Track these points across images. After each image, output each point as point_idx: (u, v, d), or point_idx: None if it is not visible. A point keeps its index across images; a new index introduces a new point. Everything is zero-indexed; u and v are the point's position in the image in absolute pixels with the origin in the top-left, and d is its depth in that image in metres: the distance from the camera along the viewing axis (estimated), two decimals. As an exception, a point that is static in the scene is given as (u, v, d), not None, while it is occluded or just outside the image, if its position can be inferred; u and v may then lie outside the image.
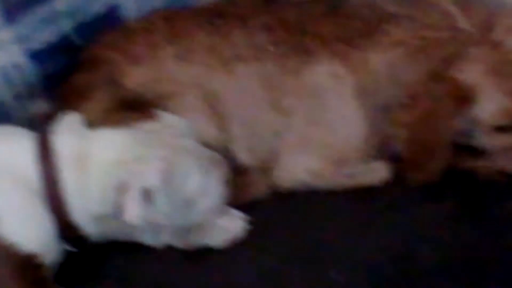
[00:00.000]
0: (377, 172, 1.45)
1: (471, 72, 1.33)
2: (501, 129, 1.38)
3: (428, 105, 1.34)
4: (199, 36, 1.40)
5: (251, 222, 1.33)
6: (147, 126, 1.21)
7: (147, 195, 1.12)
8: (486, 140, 1.41)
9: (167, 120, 1.24)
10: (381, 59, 1.38)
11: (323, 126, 1.43)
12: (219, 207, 1.26)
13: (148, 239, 1.24)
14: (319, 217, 1.39)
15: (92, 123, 1.22)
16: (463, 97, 1.33)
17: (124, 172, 1.13)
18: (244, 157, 1.42)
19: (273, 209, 1.41)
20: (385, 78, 1.38)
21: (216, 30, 1.41)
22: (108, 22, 1.48)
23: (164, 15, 1.45)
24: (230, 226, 1.31)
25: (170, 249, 1.31)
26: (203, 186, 1.19)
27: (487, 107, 1.36)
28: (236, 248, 1.32)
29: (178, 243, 1.27)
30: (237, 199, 1.37)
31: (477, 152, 1.43)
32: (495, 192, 1.41)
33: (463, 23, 1.36)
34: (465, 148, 1.42)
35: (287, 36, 1.42)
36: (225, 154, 1.38)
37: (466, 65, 1.33)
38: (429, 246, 1.32)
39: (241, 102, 1.41)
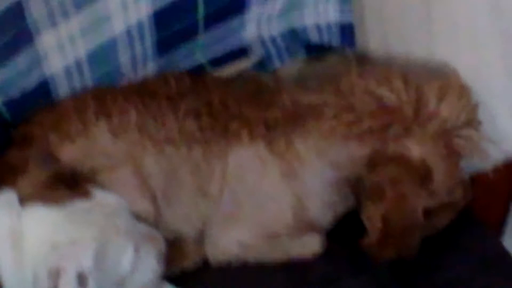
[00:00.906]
0: (309, 245, 1.46)
1: (418, 148, 1.36)
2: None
3: (395, 192, 1.35)
4: (131, 115, 1.42)
5: None
6: (79, 204, 1.20)
7: (81, 279, 1.11)
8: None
9: (100, 197, 1.24)
10: (308, 146, 1.40)
11: (251, 206, 1.45)
12: (154, 282, 1.26)
13: None
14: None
15: (26, 200, 1.21)
16: (424, 173, 1.35)
17: (57, 255, 1.12)
18: (169, 236, 1.42)
19: (203, 282, 1.42)
20: (314, 163, 1.41)
21: (147, 111, 1.43)
22: (38, 97, 1.48)
23: (96, 93, 1.46)
24: None
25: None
26: (136, 264, 1.19)
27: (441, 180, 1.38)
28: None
29: None
30: (168, 269, 1.37)
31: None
32: (426, 264, 1.43)
33: (392, 101, 1.38)
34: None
35: (212, 121, 1.44)
36: (157, 228, 1.38)
37: (410, 142, 1.35)
38: None
39: (170, 184, 1.43)
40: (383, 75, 1.39)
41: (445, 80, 1.42)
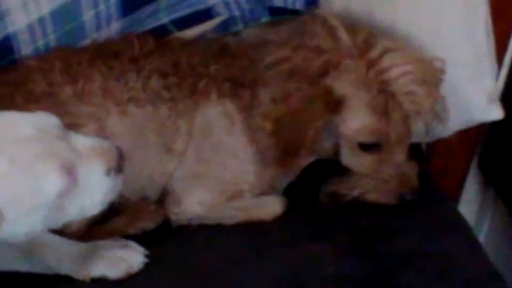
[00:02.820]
0: (270, 207, 1.50)
1: (343, 82, 1.40)
2: (365, 148, 1.45)
3: (298, 103, 1.40)
4: (95, 77, 1.44)
5: (147, 255, 1.36)
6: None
7: None
8: (350, 159, 1.47)
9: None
10: (267, 91, 1.44)
11: (215, 163, 1.49)
12: (109, 197, 1.20)
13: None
14: (210, 251, 1.42)
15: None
16: (333, 103, 1.40)
17: None
18: (133, 196, 1.47)
19: (164, 242, 1.44)
20: None
21: (111, 72, 1.46)
22: (1, 55, 1.50)
23: (61, 54, 1.49)
24: (128, 258, 1.33)
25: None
26: (71, 187, 1.12)
27: (352, 119, 1.42)
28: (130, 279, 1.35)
29: (76, 273, 1.30)
30: (130, 229, 1.43)
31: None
32: (383, 229, 1.46)
33: (345, 37, 1.43)
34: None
35: (179, 80, 1.47)
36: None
37: (340, 75, 1.40)
38: (319, 283, 1.35)
39: (133, 143, 1.45)
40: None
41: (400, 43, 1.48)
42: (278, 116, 1.41)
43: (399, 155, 1.46)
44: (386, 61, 1.42)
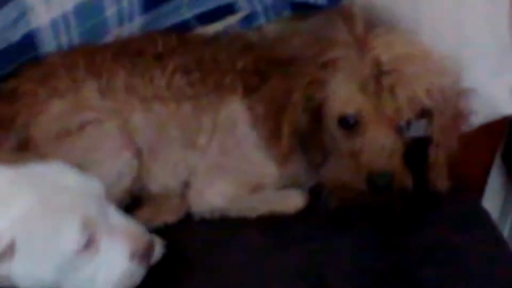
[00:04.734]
0: (292, 200, 1.51)
1: (333, 63, 1.42)
2: (346, 126, 1.42)
3: (282, 80, 1.45)
4: (119, 74, 1.48)
5: (166, 246, 1.37)
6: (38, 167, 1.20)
7: (9, 248, 1.12)
8: (333, 141, 1.45)
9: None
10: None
11: (237, 155, 1.51)
12: (123, 282, 1.22)
13: None
14: (232, 245, 1.44)
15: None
16: (316, 80, 1.42)
17: None
18: (155, 189, 1.51)
19: (185, 235, 1.46)
20: None
21: (135, 69, 1.49)
22: (23, 50, 1.54)
23: (85, 51, 1.52)
24: None
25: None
26: (89, 253, 1.15)
27: (334, 93, 1.42)
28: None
29: None
30: (153, 223, 1.45)
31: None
32: (405, 223, 1.47)
33: (343, 31, 1.47)
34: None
35: (203, 76, 1.51)
36: (138, 182, 1.49)
37: (331, 58, 1.43)
38: (343, 276, 1.36)
39: (157, 139, 1.49)
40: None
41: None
42: (263, 96, 1.46)
43: (377, 137, 1.42)
44: (375, 42, 1.43)
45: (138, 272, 1.21)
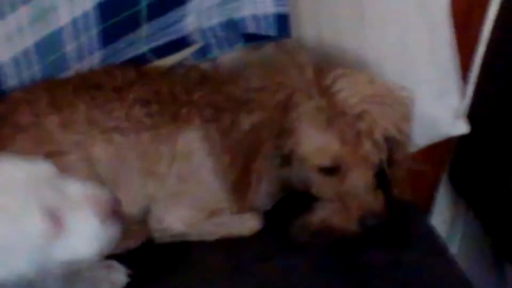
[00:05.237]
0: (248, 223, 1.54)
1: (298, 110, 1.44)
2: (325, 172, 1.46)
3: (248, 130, 1.47)
4: (80, 107, 1.51)
5: (130, 275, 1.40)
6: None
7: None
8: (314, 184, 1.48)
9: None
10: (248, 120, 1.48)
11: (195, 182, 1.53)
12: (103, 246, 1.21)
13: None
14: (191, 267, 1.47)
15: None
16: (284, 130, 1.45)
17: None
18: None
19: (147, 259, 1.48)
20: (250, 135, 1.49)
21: (95, 102, 1.52)
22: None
23: (47, 86, 1.55)
24: (111, 279, 1.39)
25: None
26: (57, 231, 1.14)
27: (306, 142, 1.44)
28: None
29: None
30: (115, 249, 1.40)
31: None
32: (357, 242, 1.47)
33: (310, 74, 1.48)
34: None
35: (161, 108, 1.54)
36: None
37: (297, 105, 1.45)
38: None
39: (118, 169, 1.52)
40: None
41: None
42: (230, 146, 1.48)
43: (360, 178, 1.46)
44: (338, 85, 1.44)
45: (114, 229, 1.20)
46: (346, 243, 1.48)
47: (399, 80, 1.57)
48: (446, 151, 2.01)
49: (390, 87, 1.50)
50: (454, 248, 2.14)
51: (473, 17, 1.79)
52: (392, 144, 1.48)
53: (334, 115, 1.42)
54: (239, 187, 1.48)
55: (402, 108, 1.49)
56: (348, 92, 1.44)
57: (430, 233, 1.62)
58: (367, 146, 1.44)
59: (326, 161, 1.45)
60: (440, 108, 1.71)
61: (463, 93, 1.81)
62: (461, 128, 1.76)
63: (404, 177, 1.54)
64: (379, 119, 1.43)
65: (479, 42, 1.82)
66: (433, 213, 2.14)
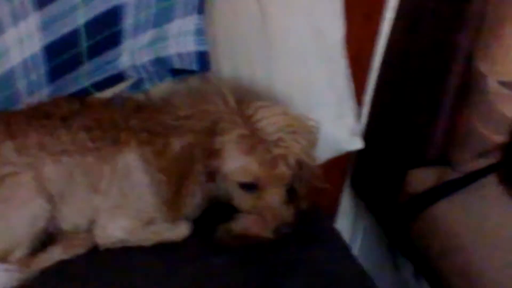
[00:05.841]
0: (179, 230, 1.64)
1: (223, 135, 1.54)
2: (245, 188, 1.57)
3: (182, 152, 1.55)
4: (32, 134, 1.60)
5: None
6: None
7: None
8: (235, 198, 1.59)
9: None
10: (178, 143, 1.57)
11: (133, 196, 1.63)
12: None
13: None
14: (128, 269, 1.56)
15: None
16: (211, 150, 1.55)
17: None
18: (67, 227, 1.63)
19: (93, 263, 1.58)
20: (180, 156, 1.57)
21: (45, 130, 1.60)
22: None
23: (1, 116, 1.65)
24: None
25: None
26: None
27: (230, 163, 1.55)
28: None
29: None
30: (65, 255, 1.57)
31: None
32: (272, 242, 1.57)
33: (232, 102, 1.59)
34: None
35: (103, 133, 1.62)
36: (52, 222, 1.59)
37: (222, 130, 1.55)
38: None
39: (66, 186, 1.60)
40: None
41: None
42: (165, 165, 1.57)
43: (275, 194, 1.58)
44: (258, 116, 1.56)
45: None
46: (261, 244, 1.58)
47: (304, 104, 1.73)
48: (348, 163, 2.17)
49: (301, 118, 1.62)
50: (355, 248, 2.31)
51: (365, 50, 1.98)
52: (301, 165, 1.61)
53: (255, 142, 1.54)
54: (173, 200, 1.57)
55: (310, 136, 1.63)
56: (267, 122, 1.56)
57: (335, 235, 1.75)
58: (281, 168, 1.56)
59: (246, 179, 1.57)
60: (338, 128, 1.85)
61: (358, 114, 1.96)
62: (357, 144, 1.90)
63: (309, 192, 1.67)
64: (292, 146, 1.56)
65: (370, 71, 2.01)
66: (338, 216, 2.28)
